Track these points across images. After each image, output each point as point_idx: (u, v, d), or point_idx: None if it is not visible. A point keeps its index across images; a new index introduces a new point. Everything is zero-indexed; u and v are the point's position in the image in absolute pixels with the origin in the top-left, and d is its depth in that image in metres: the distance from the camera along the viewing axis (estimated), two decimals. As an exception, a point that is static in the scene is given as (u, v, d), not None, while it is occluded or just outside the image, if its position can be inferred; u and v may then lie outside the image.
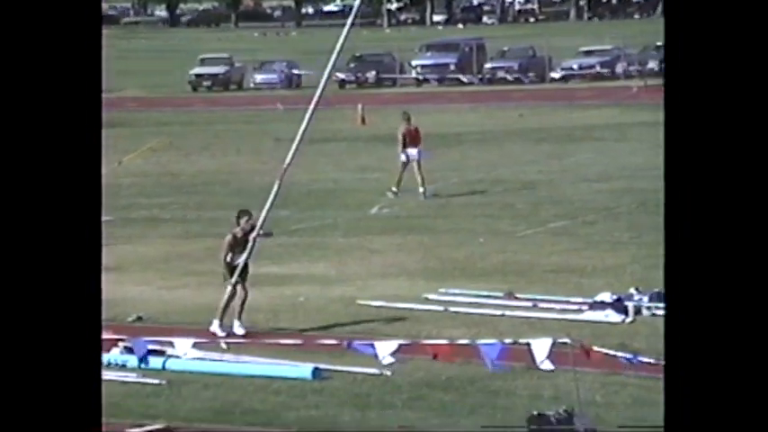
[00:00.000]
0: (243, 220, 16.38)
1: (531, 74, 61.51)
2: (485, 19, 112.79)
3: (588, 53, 62.77)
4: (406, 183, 28.71)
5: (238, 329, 15.94)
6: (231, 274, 16.09)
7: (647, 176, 29.33)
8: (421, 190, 27.32)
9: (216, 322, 15.98)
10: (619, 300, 16.91)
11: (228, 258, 16.15)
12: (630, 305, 16.76)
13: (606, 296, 17.07)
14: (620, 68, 59.68)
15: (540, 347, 14.13)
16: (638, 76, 56.51)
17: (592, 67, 61.05)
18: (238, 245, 16.19)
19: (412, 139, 27.89)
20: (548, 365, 13.73)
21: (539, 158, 33.70)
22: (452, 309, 17.39)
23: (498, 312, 17.05)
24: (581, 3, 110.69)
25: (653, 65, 58.44)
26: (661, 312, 16.76)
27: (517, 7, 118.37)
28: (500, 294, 17.91)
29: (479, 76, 61.95)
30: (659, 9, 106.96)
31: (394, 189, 27.55)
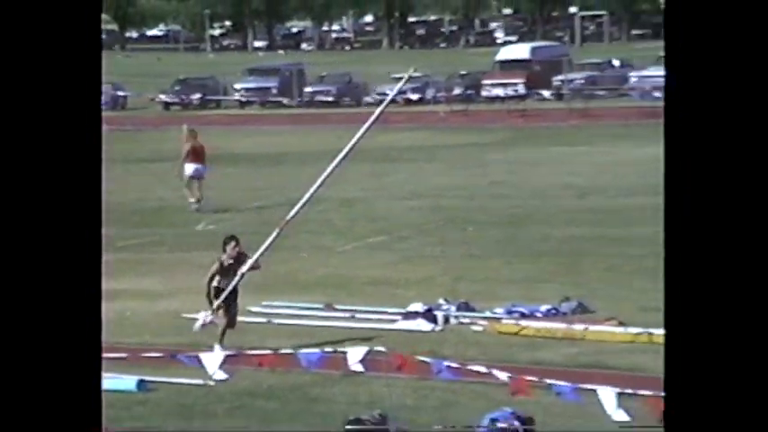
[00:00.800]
0: (229, 247, 16.11)
1: (347, 98, 62.83)
2: (304, 46, 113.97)
3: (400, 80, 64.16)
4: (233, 201, 29.48)
5: (220, 352, 15.54)
6: (216, 297, 15.83)
7: (453, 195, 30.71)
8: (195, 205, 28.52)
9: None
10: (429, 310, 17.61)
11: (215, 282, 15.85)
12: (440, 315, 17.47)
13: (418, 306, 17.73)
14: (429, 94, 61.48)
15: (356, 355, 15.04)
16: (445, 102, 58.37)
17: (404, 92, 62.58)
18: (225, 272, 15.94)
19: (197, 155, 29.03)
20: (359, 368, 14.57)
21: (357, 178, 34.66)
22: (276, 321, 18.00)
23: (318, 323, 17.77)
24: (393, 33, 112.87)
25: (458, 91, 60.50)
26: (467, 321, 17.69)
27: (334, 35, 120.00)
28: (320, 306, 18.58)
29: (299, 99, 63.01)
30: (462, 41, 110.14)
31: (192, 200, 28.87)
